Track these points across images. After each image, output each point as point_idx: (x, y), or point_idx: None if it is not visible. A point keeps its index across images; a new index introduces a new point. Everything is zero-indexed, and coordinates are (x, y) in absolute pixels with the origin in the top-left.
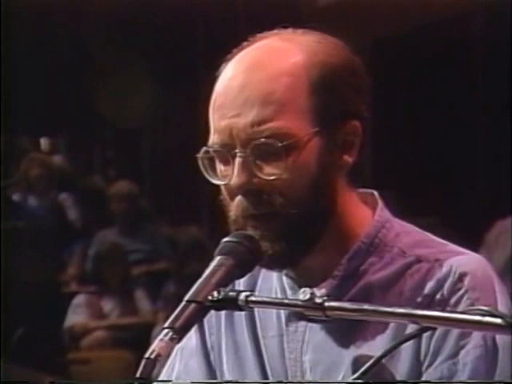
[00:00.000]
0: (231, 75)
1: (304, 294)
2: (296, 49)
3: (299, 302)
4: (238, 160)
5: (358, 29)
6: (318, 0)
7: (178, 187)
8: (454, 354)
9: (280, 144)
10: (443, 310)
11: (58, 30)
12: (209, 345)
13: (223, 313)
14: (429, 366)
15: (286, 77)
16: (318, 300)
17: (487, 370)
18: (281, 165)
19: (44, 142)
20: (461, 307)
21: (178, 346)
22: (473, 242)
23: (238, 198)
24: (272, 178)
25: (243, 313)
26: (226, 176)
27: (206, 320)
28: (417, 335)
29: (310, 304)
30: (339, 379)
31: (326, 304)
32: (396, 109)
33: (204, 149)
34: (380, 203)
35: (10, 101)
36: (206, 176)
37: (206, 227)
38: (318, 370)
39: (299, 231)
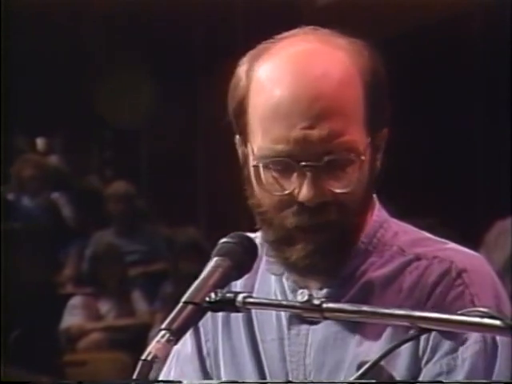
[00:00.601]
0: (286, 81)
1: (302, 295)
2: (341, 53)
3: (297, 304)
4: (310, 173)
5: (357, 29)
6: (318, 0)
7: (175, 188)
8: (454, 350)
9: (352, 158)
10: (442, 311)
11: (58, 30)
12: (205, 351)
13: (220, 319)
14: (428, 361)
15: (347, 87)
16: (316, 301)
17: (486, 366)
18: (350, 178)
19: (41, 142)
20: (461, 303)
21: (174, 349)
22: (472, 243)
23: (301, 207)
24: (343, 191)
25: (240, 317)
26: (284, 186)
27: (201, 326)
28: (415, 337)
29: (308, 305)
30: (342, 378)
31: (324, 305)
32: (395, 109)
33: (262, 157)
34: (377, 203)
35: (8, 101)
36: (259, 185)
37: (204, 228)
38: (323, 372)
39: (346, 242)
